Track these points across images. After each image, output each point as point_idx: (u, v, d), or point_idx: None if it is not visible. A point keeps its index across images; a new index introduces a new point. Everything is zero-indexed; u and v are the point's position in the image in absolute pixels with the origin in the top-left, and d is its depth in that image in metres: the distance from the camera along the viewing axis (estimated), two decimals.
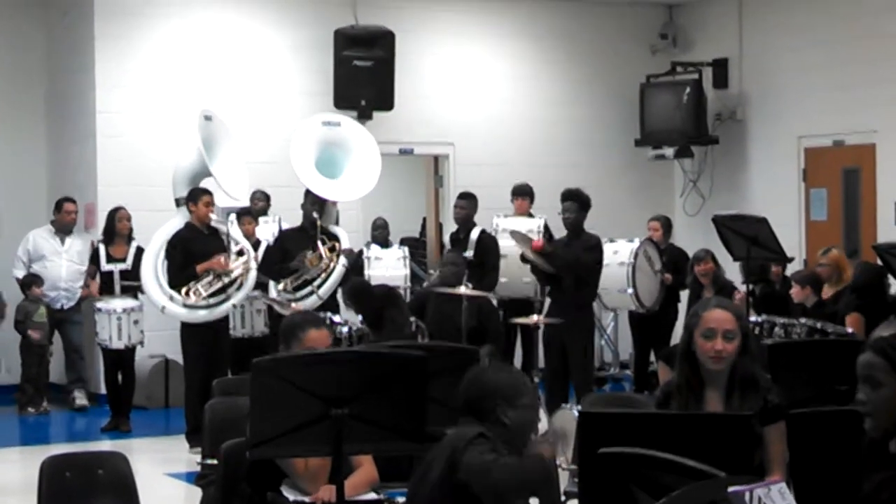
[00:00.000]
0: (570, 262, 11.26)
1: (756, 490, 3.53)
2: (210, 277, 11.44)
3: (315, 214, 11.78)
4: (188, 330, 11.61)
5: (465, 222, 13.00)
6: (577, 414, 9.61)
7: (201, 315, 11.49)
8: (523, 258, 11.54)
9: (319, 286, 11.71)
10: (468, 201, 13.17)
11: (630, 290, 12.73)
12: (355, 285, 9.01)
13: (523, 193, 13.65)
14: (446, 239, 13.35)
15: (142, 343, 12.75)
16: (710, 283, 12.08)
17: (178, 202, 11.85)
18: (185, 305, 11.46)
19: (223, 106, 13.57)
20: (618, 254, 12.63)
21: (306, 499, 5.40)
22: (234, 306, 11.66)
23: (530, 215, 13.42)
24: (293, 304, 11.36)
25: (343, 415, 4.94)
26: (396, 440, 5.07)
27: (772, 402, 5.35)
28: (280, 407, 4.98)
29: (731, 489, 3.51)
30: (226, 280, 11.48)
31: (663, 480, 3.86)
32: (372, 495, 5.48)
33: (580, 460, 4.99)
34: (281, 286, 11.71)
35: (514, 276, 12.53)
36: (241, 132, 12.81)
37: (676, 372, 5.47)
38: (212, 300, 11.47)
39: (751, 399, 5.32)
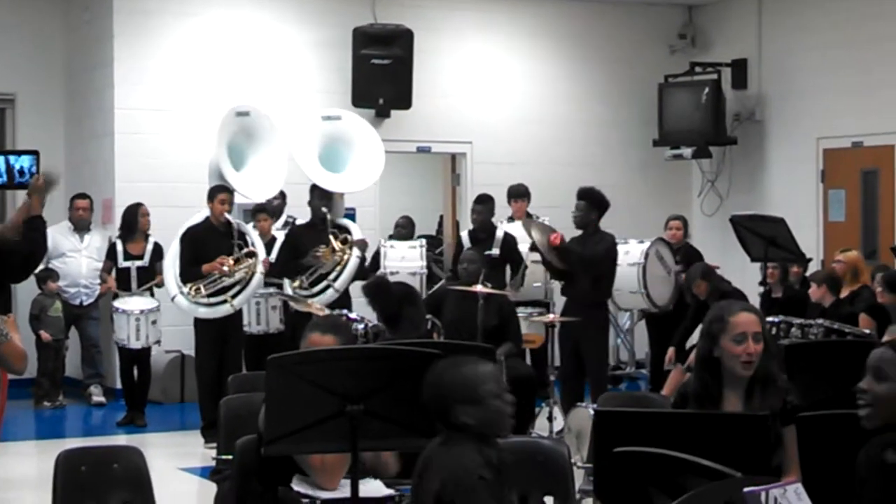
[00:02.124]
0: (584, 259, 11.23)
1: (772, 490, 3.52)
2: (214, 277, 11.48)
3: (324, 209, 11.80)
4: (201, 325, 11.66)
5: (483, 225, 12.99)
6: (592, 412, 9.63)
7: (202, 312, 11.55)
8: (534, 247, 11.49)
9: (335, 279, 11.73)
10: (484, 205, 13.12)
11: (642, 291, 12.67)
12: (375, 282, 9.00)
13: (521, 195, 13.58)
14: (464, 236, 13.30)
15: (159, 342, 12.79)
16: (710, 297, 11.95)
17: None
18: (190, 301, 11.53)
19: (242, 103, 13.59)
20: (629, 254, 12.57)
21: (321, 494, 5.39)
22: (234, 308, 11.58)
23: (528, 215, 13.38)
24: (309, 301, 11.39)
25: (358, 411, 4.94)
26: (411, 437, 5.04)
27: (791, 403, 5.33)
28: (295, 403, 4.97)
29: (746, 489, 3.50)
30: (227, 281, 11.51)
31: (679, 480, 3.85)
32: (388, 491, 5.47)
33: (595, 459, 4.98)
34: (297, 283, 11.72)
35: (526, 279, 12.51)
36: (280, 128, 12.73)
37: (695, 379, 5.41)
38: (212, 300, 11.51)
39: (771, 399, 5.28)
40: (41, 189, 8.23)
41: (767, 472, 4.73)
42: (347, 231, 11.98)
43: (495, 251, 12.51)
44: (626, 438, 4.56)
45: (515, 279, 12.62)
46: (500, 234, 12.93)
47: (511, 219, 13.42)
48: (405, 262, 12.50)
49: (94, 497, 5.90)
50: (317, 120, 12.42)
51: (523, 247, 12.49)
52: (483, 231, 13.02)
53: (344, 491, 5.35)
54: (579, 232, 11.54)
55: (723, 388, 5.34)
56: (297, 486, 5.46)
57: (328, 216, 11.75)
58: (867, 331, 9.95)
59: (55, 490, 5.84)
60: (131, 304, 12.68)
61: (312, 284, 11.74)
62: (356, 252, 11.82)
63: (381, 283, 8.85)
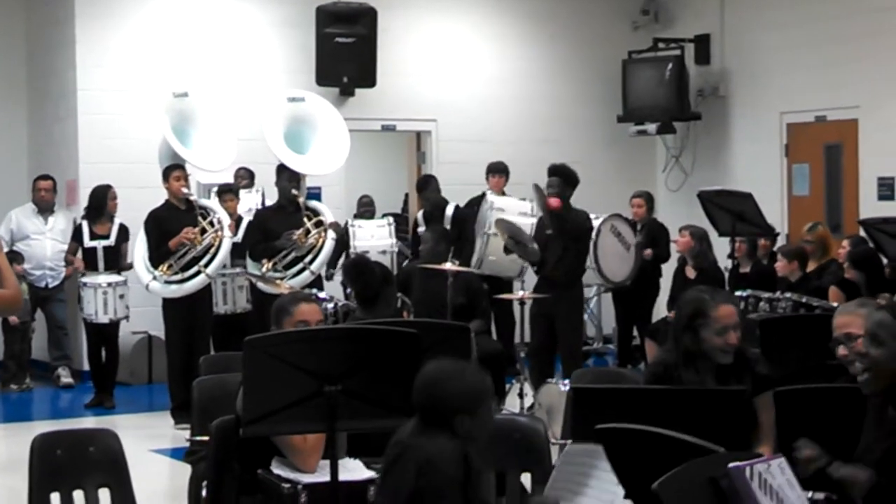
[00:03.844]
0: (579, 226, 11.25)
1: (756, 466, 3.54)
2: (183, 251, 11.47)
3: (294, 192, 11.80)
4: (169, 306, 11.66)
5: (435, 206, 13.12)
6: (564, 388, 9.66)
7: (173, 289, 11.54)
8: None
9: (311, 262, 11.74)
10: (427, 190, 13.54)
11: (592, 266, 12.63)
12: (356, 262, 8.98)
13: (499, 171, 13.69)
14: (419, 217, 13.42)
15: (127, 318, 12.71)
16: (692, 258, 12.07)
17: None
18: (164, 282, 11.52)
19: (204, 83, 13.57)
20: None
21: (303, 478, 5.39)
22: (210, 277, 11.60)
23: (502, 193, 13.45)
24: (278, 282, 11.37)
25: (336, 391, 4.95)
26: (389, 416, 5.06)
27: (760, 373, 5.37)
28: (273, 384, 4.99)
29: (731, 465, 3.51)
30: (196, 251, 11.49)
31: (661, 456, 3.86)
32: (369, 473, 5.47)
33: (573, 436, 5.00)
34: (270, 264, 11.70)
35: (503, 255, 12.49)
36: (222, 107, 12.75)
37: (684, 374, 5.45)
38: (185, 273, 11.49)
39: (744, 375, 5.34)
40: None
41: (747, 447, 4.77)
42: (318, 214, 11.98)
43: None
44: (604, 415, 4.56)
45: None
46: (449, 211, 13.05)
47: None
48: (374, 240, 12.49)
49: (70, 480, 5.88)
50: (282, 101, 12.39)
51: (495, 213, 12.53)
52: (436, 209, 13.11)
53: (324, 474, 5.35)
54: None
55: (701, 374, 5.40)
56: (277, 470, 5.46)
57: (299, 199, 11.76)
58: (836, 304, 10.02)
59: (31, 473, 5.81)
60: (98, 278, 12.60)
61: (286, 267, 11.73)
62: (331, 235, 11.83)
63: (363, 263, 8.82)
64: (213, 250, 11.56)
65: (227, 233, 11.63)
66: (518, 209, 12.79)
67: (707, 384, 5.39)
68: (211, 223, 11.62)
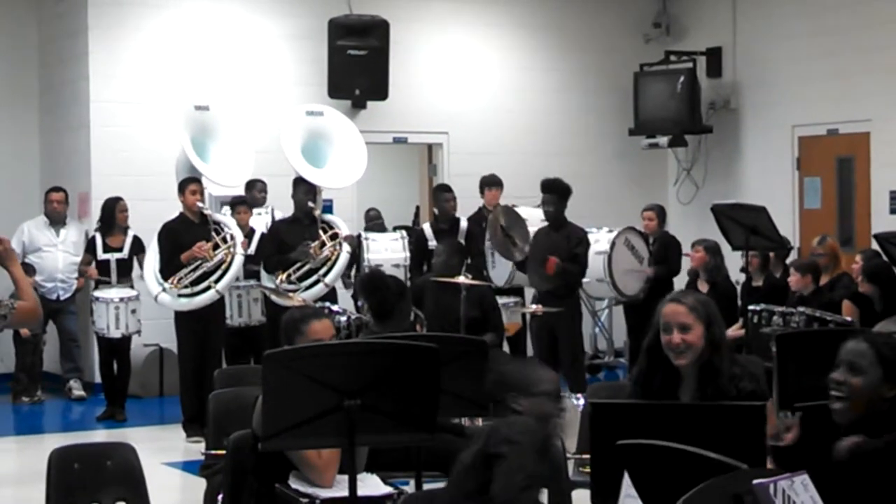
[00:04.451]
0: (577, 275, 11.41)
1: (780, 482, 3.53)
2: (194, 265, 11.48)
3: (311, 204, 11.82)
4: (181, 318, 11.66)
5: (448, 215, 13.17)
6: (576, 403, 9.64)
7: (183, 303, 11.54)
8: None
9: (325, 274, 11.75)
10: (452, 193, 13.35)
11: (608, 280, 12.68)
12: (372, 277, 8.95)
13: (495, 184, 13.65)
14: (426, 228, 13.43)
15: (139, 332, 12.73)
16: (704, 272, 12.08)
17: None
18: (174, 295, 11.53)
19: (217, 95, 13.58)
20: (598, 243, 12.58)
21: (321, 493, 5.39)
22: (219, 293, 11.61)
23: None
24: (291, 295, 11.37)
25: (356, 405, 4.94)
26: (408, 431, 5.07)
27: (745, 390, 5.31)
28: (292, 398, 4.97)
29: (755, 482, 3.51)
30: (207, 267, 11.50)
31: (684, 473, 3.85)
32: (387, 489, 5.47)
33: (593, 452, 4.98)
34: (284, 276, 11.71)
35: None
36: (241, 121, 12.78)
37: (654, 382, 5.44)
38: (195, 287, 11.50)
39: (724, 389, 5.27)
40: None
41: (763, 463, 4.76)
42: (333, 227, 11.99)
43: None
44: (622, 431, 4.55)
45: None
46: (464, 224, 13.07)
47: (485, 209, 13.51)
48: (388, 253, 12.48)
49: (87, 494, 5.90)
50: (300, 114, 12.38)
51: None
52: (445, 222, 13.12)
53: (341, 489, 5.35)
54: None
55: (679, 380, 5.36)
56: (295, 484, 5.46)
57: (315, 212, 11.79)
58: (849, 318, 10.01)
59: (49, 487, 5.83)
60: (111, 292, 12.63)
61: (300, 279, 11.74)
62: (346, 248, 11.85)
63: (379, 277, 8.79)
64: (224, 266, 11.57)
65: (240, 250, 11.64)
66: (538, 217, 12.72)
67: (683, 392, 5.35)
68: (224, 239, 11.62)
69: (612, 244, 12.61)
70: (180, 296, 11.53)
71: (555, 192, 11.47)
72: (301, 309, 6.79)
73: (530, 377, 5.07)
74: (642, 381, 5.47)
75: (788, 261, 12.09)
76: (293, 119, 12.40)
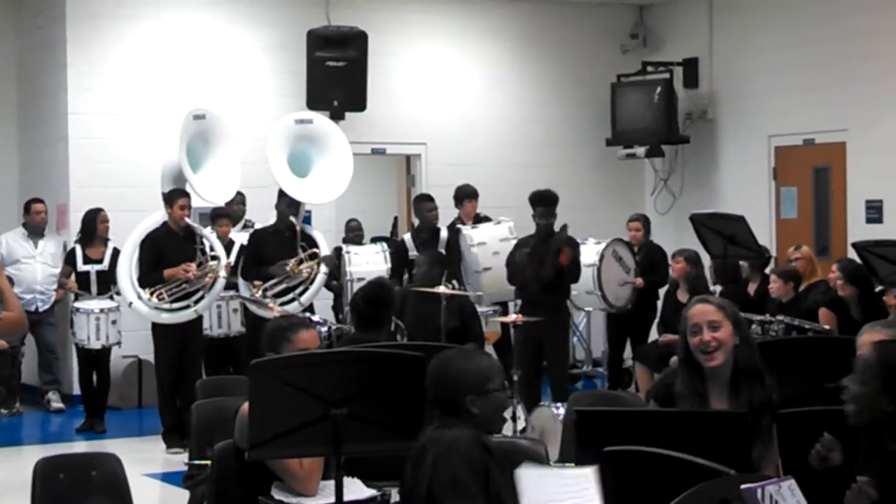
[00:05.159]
0: (577, 275, 11.57)
1: (767, 487, 3.57)
2: (178, 283, 11.47)
3: (292, 218, 11.80)
4: (159, 330, 11.66)
5: (429, 225, 13.19)
6: (556, 412, 9.69)
7: (164, 317, 11.55)
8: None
9: (301, 294, 11.74)
10: (434, 203, 13.38)
11: (597, 292, 12.76)
12: (381, 286, 8.71)
13: (472, 195, 13.66)
14: (406, 238, 13.45)
15: (119, 344, 12.72)
16: (685, 282, 12.14)
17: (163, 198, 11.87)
18: (152, 307, 11.51)
19: (195, 107, 13.53)
20: (586, 255, 12.64)
21: (306, 502, 5.40)
22: (197, 314, 11.62)
23: (487, 219, 13.43)
24: (271, 305, 11.36)
25: (342, 415, 4.97)
26: (395, 439, 5.08)
27: (776, 401, 5.35)
28: (279, 408, 4.99)
29: (743, 487, 3.54)
30: (189, 288, 11.51)
31: (671, 479, 3.89)
32: (370, 492, 5.50)
33: (578, 459, 5.01)
34: (260, 292, 11.69)
35: (501, 284, 12.47)
36: (233, 132, 12.69)
37: (679, 380, 5.43)
38: (175, 304, 11.49)
39: (758, 392, 5.30)
40: None
41: (750, 470, 4.79)
42: (316, 245, 11.97)
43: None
44: (607, 438, 4.59)
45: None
46: (444, 234, 13.10)
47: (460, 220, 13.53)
48: (370, 266, 12.47)
49: None
50: (289, 122, 12.27)
51: (479, 249, 12.64)
52: (426, 231, 13.15)
53: (326, 496, 5.36)
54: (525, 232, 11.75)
55: (707, 385, 5.36)
56: (279, 495, 5.46)
57: (297, 226, 11.77)
58: (827, 326, 10.06)
59: (34, 498, 5.84)
60: (91, 303, 12.62)
61: (277, 296, 11.72)
62: (323, 269, 11.84)
63: (386, 288, 8.62)
64: (206, 287, 11.56)
65: (223, 273, 11.63)
66: (498, 237, 12.82)
67: (713, 396, 5.36)
68: (211, 258, 11.61)
69: (601, 256, 12.72)
70: (157, 308, 11.51)
71: (545, 205, 11.56)
72: (287, 318, 6.80)
73: (483, 373, 4.88)
74: (687, 392, 5.40)
75: (767, 269, 12.15)
76: (281, 130, 12.20)
